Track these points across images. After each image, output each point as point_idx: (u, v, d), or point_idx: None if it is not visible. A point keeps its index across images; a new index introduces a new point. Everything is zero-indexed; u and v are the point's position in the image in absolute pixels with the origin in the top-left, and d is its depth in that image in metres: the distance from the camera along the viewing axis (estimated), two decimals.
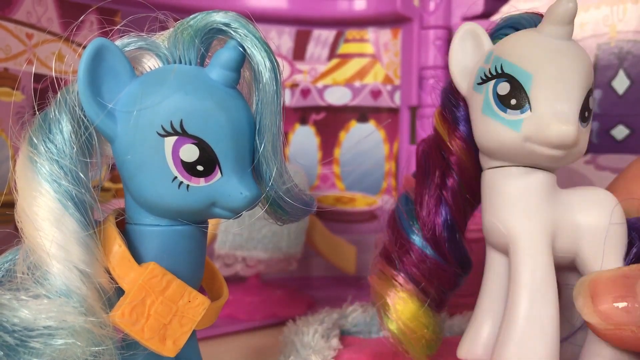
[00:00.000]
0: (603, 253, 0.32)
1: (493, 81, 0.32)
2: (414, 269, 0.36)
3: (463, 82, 0.34)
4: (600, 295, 0.29)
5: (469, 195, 0.36)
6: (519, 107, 0.31)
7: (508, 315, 0.31)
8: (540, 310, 0.31)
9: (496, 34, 0.34)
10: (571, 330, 0.35)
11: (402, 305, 0.36)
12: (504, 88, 0.31)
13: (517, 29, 0.33)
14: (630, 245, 0.33)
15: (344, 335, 0.46)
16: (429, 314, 0.36)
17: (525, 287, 0.31)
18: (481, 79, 0.32)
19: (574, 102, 0.30)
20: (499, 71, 0.31)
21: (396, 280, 0.37)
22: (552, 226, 0.32)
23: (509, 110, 0.31)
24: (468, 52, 0.34)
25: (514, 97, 0.31)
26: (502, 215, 0.33)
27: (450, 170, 0.36)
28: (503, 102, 0.31)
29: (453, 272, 0.37)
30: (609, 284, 0.30)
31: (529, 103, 0.30)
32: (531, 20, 0.33)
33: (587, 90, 0.31)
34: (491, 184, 0.33)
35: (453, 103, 0.36)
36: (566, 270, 0.34)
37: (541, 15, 0.33)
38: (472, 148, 0.35)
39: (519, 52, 0.31)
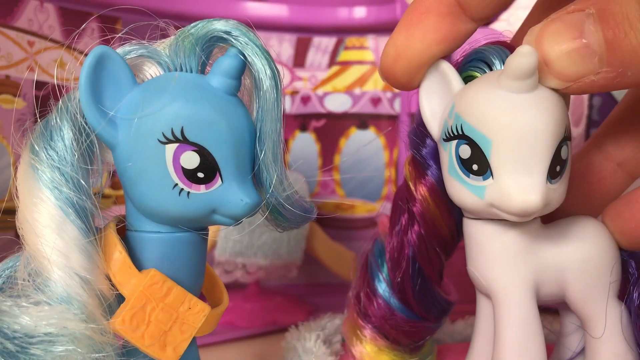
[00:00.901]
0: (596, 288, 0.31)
1: (455, 142, 0.29)
2: (381, 322, 0.36)
3: (434, 127, 0.31)
4: (549, 51, 0.26)
5: (437, 247, 0.35)
6: (481, 173, 0.28)
7: None
8: None
9: (466, 67, 0.31)
10: (573, 356, 0.35)
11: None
12: (465, 151, 0.29)
13: (486, 63, 0.30)
14: (626, 277, 0.32)
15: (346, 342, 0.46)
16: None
17: (508, 342, 0.30)
18: (446, 135, 0.30)
19: (538, 166, 0.28)
20: (460, 132, 0.29)
21: (363, 334, 0.37)
22: (536, 275, 0.31)
23: (471, 175, 0.29)
24: (435, 95, 0.31)
25: (476, 162, 0.28)
26: (480, 268, 0.31)
27: (413, 220, 0.34)
28: (465, 166, 0.29)
29: (422, 326, 0.36)
30: (554, 35, 0.26)
31: (490, 170, 0.28)
32: (499, 56, 0.30)
33: (558, 143, 0.28)
34: (470, 233, 0.32)
35: (420, 145, 0.34)
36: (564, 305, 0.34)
37: (511, 50, 0.30)
38: (442, 194, 0.33)
39: (477, 113, 0.28)
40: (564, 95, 0.29)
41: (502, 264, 0.31)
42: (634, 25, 0.24)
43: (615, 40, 0.24)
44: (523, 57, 0.26)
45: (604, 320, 0.31)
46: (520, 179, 0.27)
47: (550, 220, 0.32)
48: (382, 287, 0.36)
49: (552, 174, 0.28)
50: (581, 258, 0.31)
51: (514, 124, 0.27)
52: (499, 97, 0.28)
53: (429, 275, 0.35)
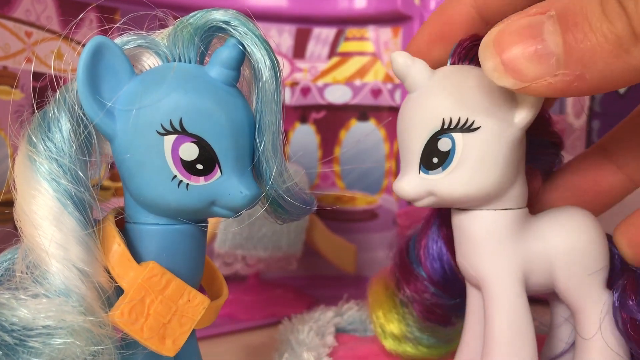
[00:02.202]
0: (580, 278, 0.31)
1: None
2: (421, 305, 0.38)
3: None
4: (507, 51, 0.26)
5: None
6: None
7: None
8: (515, 355, 0.30)
9: None
10: (565, 348, 0.35)
11: (391, 327, 0.40)
12: None
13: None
14: (613, 265, 0.32)
15: (339, 333, 0.47)
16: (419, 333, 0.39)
17: (498, 331, 0.31)
18: None
19: (409, 157, 0.31)
20: None
21: (395, 299, 0.39)
22: (524, 264, 0.31)
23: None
24: None
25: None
26: (470, 258, 0.32)
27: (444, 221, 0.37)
28: None
29: (449, 305, 0.39)
30: (513, 36, 0.26)
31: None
32: None
33: (429, 136, 0.30)
34: (458, 224, 0.33)
35: None
36: (554, 296, 0.34)
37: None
38: None
39: None
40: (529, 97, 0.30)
41: (490, 253, 0.31)
42: (593, 25, 0.24)
43: (574, 41, 0.24)
44: (394, 61, 0.31)
45: (593, 308, 0.32)
46: (401, 170, 0.32)
47: (538, 210, 0.33)
48: (423, 275, 0.38)
49: (429, 165, 0.31)
50: (569, 247, 0.31)
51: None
52: None
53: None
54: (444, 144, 0.30)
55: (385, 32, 0.66)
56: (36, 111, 0.28)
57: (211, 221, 0.31)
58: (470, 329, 0.35)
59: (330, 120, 0.68)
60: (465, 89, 0.30)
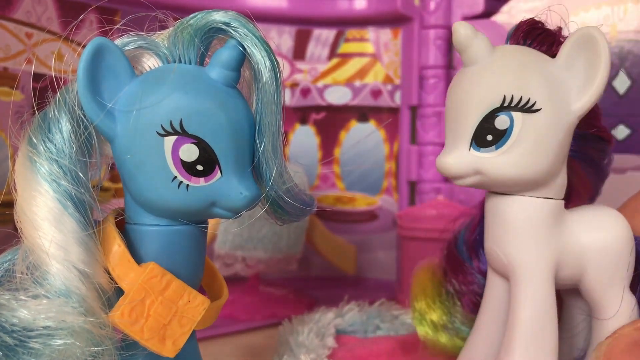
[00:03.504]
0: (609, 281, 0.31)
1: None
2: (463, 286, 0.38)
3: None
4: None
5: None
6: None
7: (505, 350, 0.31)
8: (538, 346, 0.30)
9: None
10: (580, 354, 0.35)
11: (432, 315, 0.39)
12: None
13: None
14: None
15: (340, 335, 0.47)
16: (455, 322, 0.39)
17: (524, 320, 0.30)
18: None
19: (460, 132, 0.30)
20: None
21: (441, 289, 0.39)
22: (557, 256, 0.31)
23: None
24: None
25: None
26: (503, 245, 0.32)
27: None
28: None
29: None
30: (624, 354, 0.27)
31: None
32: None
33: (485, 112, 0.30)
34: (494, 210, 0.32)
35: None
36: (572, 295, 0.34)
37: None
38: None
39: None
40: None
41: (526, 240, 0.31)
42: None
43: None
44: (456, 31, 0.30)
45: (617, 306, 0.31)
46: (446, 145, 0.31)
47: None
48: (472, 267, 0.38)
49: (481, 143, 0.30)
50: (601, 246, 0.31)
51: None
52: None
53: None
54: (501, 122, 0.29)
55: (385, 33, 0.66)
56: (36, 112, 0.28)
57: (211, 222, 0.31)
58: (486, 315, 0.34)
59: (330, 121, 0.68)
60: (528, 69, 0.29)
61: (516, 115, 0.29)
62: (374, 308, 0.49)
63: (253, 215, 0.30)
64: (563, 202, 0.32)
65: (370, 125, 0.67)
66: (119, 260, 0.28)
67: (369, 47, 0.67)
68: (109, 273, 0.28)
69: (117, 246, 0.28)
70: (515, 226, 0.31)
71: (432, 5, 0.63)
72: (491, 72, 0.30)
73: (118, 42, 0.29)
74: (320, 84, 0.67)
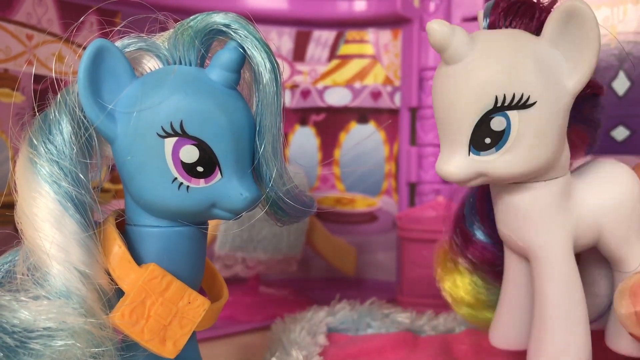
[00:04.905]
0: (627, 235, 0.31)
1: None
2: (479, 257, 0.37)
3: None
4: None
5: None
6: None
7: (538, 329, 0.31)
8: (569, 319, 0.30)
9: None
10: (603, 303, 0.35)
11: (462, 294, 0.39)
12: None
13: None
14: None
15: (331, 333, 0.47)
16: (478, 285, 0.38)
17: (553, 301, 0.30)
18: None
19: (456, 138, 0.29)
20: None
21: (460, 268, 0.39)
22: (572, 230, 0.31)
23: None
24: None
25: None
26: (517, 231, 0.31)
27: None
28: None
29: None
30: None
31: None
32: None
33: (479, 115, 0.28)
34: (502, 198, 0.32)
35: None
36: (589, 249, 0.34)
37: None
38: None
39: None
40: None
41: (541, 225, 0.30)
42: None
43: None
44: (432, 30, 0.28)
45: (638, 257, 0.31)
46: (443, 150, 0.29)
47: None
48: (478, 232, 0.37)
49: (479, 147, 0.28)
50: (612, 204, 0.31)
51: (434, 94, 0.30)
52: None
53: None
54: (497, 124, 0.28)
55: (385, 35, 0.66)
56: (37, 114, 0.28)
57: (211, 223, 0.31)
58: (508, 296, 0.34)
59: (330, 122, 0.68)
60: (517, 60, 0.28)
61: (512, 114, 0.28)
62: (365, 307, 0.50)
63: (253, 217, 0.30)
64: (569, 174, 0.31)
65: (370, 127, 0.67)
66: (119, 261, 0.28)
67: (369, 49, 0.67)
68: (109, 274, 0.28)
69: (118, 247, 0.28)
70: (527, 213, 0.31)
71: (431, 7, 0.63)
72: (478, 71, 0.28)
73: (118, 43, 0.29)
74: (320, 85, 0.67)
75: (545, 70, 0.28)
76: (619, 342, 0.32)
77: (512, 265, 0.34)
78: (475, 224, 0.37)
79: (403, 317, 0.49)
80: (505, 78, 0.28)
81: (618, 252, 0.31)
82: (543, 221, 0.30)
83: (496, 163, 0.29)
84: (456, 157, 0.29)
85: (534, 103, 0.28)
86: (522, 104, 0.28)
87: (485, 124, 0.28)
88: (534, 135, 0.28)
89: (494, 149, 0.29)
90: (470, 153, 0.29)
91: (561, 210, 0.31)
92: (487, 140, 0.28)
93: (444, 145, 0.30)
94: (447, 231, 0.40)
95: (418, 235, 0.58)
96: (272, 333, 0.46)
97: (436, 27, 0.28)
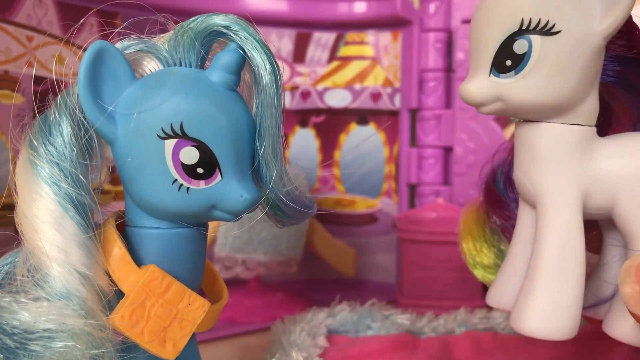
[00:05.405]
0: None
1: None
2: (504, 222, 0.38)
3: None
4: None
5: None
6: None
7: (529, 281, 0.30)
8: (562, 277, 0.29)
9: None
10: (614, 290, 0.33)
11: (481, 257, 0.39)
12: None
13: None
14: None
15: (331, 334, 0.47)
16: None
17: (549, 250, 0.30)
18: None
19: (480, 59, 0.30)
20: None
21: (485, 227, 0.39)
22: (585, 184, 0.30)
23: None
24: None
25: None
26: (529, 172, 0.31)
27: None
28: None
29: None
30: None
31: None
32: None
33: (503, 37, 0.29)
34: (521, 137, 0.32)
35: None
36: (609, 227, 0.33)
37: None
38: None
39: None
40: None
41: (552, 168, 0.30)
42: None
43: None
44: None
45: None
46: (469, 75, 0.31)
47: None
48: (507, 196, 0.37)
49: (501, 68, 0.29)
50: (635, 172, 0.30)
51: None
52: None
53: None
54: (519, 46, 0.29)
55: (385, 37, 0.66)
56: (37, 115, 0.28)
57: (211, 225, 0.31)
58: (517, 243, 0.34)
59: (330, 124, 0.68)
60: None
61: (534, 38, 0.28)
62: (365, 308, 0.50)
63: (253, 218, 0.30)
64: (594, 129, 0.31)
65: (370, 128, 0.67)
66: (119, 262, 0.28)
67: (369, 50, 0.67)
68: (109, 275, 0.28)
69: (118, 249, 0.28)
70: (540, 153, 0.30)
71: (431, 9, 0.63)
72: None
73: (119, 45, 0.29)
74: (320, 87, 0.67)
75: (577, 6, 0.28)
76: (619, 327, 0.31)
77: (523, 221, 0.34)
78: (506, 187, 0.37)
79: (403, 319, 0.49)
80: (534, 2, 0.28)
81: (631, 226, 0.30)
82: (555, 165, 0.30)
83: (513, 87, 0.29)
84: (477, 78, 0.30)
85: (558, 32, 0.28)
86: (546, 30, 0.28)
87: (509, 46, 0.29)
88: (553, 65, 0.29)
89: (513, 72, 0.29)
90: (491, 74, 0.30)
91: (576, 161, 0.30)
92: (508, 63, 0.29)
93: (471, 69, 0.31)
94: (479, 193, 0.40)
95: (418, 236, 0.58)
96: (272, 334, 0.46)
97: None
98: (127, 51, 0.29)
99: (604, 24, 0.29)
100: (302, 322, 0.46)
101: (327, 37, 0.67)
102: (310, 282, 0.67)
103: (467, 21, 0.62)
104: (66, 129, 0.27)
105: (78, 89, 0.27)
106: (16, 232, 0.27)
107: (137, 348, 0.28)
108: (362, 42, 0.67)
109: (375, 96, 0.67)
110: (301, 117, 0.67)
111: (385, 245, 0.67)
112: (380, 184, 0.68)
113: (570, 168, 0.30)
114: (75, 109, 0.28)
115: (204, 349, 0.33)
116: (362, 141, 0.67)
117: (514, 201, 0.37)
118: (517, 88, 0.29)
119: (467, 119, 0.62)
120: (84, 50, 0.27)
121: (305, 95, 0.67)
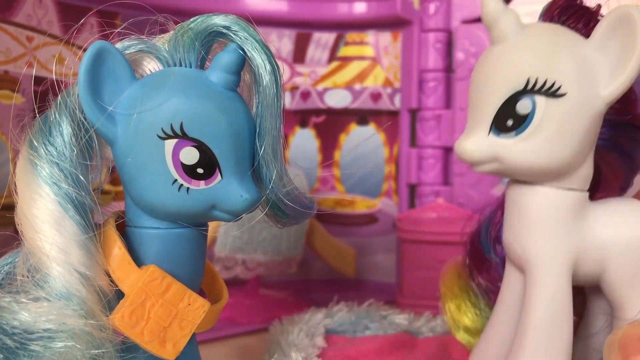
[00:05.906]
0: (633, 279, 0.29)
1: None
2: (489, 284, 0.37)
3: None
4: (632, 357, 0.26)
5: None
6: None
7: (517, 346, 0.30)
8: (549, 346, 0.29)
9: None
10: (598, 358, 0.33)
11: (464, 320, 0.38)
12: None
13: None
14: None
15: (329, 335, 0.47)
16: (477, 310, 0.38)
17: (537, 318, 0.29)
18: None
19: (479, 117, 0.29)
20: None
21: (469, 289, 0.38)
22: (576, 252, 0.29)
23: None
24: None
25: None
26: (519, 235, 0.30)
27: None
28: None
29: None
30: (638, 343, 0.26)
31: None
32: None
33: (507, 95, 0.28)
34: (513, 199, 0.31)
35: None
36: (596, 294, 0.32)
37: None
38: None
39: None
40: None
41: (545, 234, 0.30)
42: None
43: None
44: (485, 5, 0.29)
45: (637, 308, 0.30)
46: (466, 129, 0.30)
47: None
48: (493, 257, 0.36)
49: (501, 128, 0.28)
50: (625, 241, 0.30)
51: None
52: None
53: None
54: (523, 106, 0.28)
55: (385, 37, 0.66)
56: (37, 115, 0.28)
57: (211, 225, 0.31)
58: (503, 305, 0.33)
59: (330, 124, 0.68)
60: (557, 49, 0.28)
61: (539, 99, 0.28)
62: (362, 308, 0.50)
63: (253, 218, 0.30)
64: (587, 194, 0.30)
65: (370, 129, 0.67)
66: (119, 262, 0.28)
67: (369, 51, 0.67)
68: (109, 276, 0.28)
69: (118, 249, 0.28)
70: (533, 217, 0.30)
71: (431, 9, 0.63)
72: (517, 51, 0.28)
73: (119, 45, 0.29)
74: (320, 87, 0.67)
75: (584, 70, 0.28)
76: None
77: (509, 284, 0.33)
78: (492, 247, 0.37)
79: (401, 319, 0.49)
80: (541, 62, 0.28)
81: (619, 294, 0.30)
82: (549, 230, 0.29)
83: (512, 148, 0.28)
84: (475, 135, 0.29)
85: (564, 94, 0.28)
86: (552, 92, 0.28)
87: (512, 105, 0.28)
88: (556, 129, 0.28)
89: (514, 132, 0.28)
90: (491, 133, 0.29)
91: (569, 226, 0.29)
92: (509, 123, 0.28)
93: (468, 124, 0.30)
94: (462, 254, 0.39)
95: (418, 236, 0.58)
96: (270, 335, 0.46)
97: (489, 3, 0.29)
98: (127, 51, 0.29)
99: (608, 90, 0.28)
100: (300, 323, 0.46)
101: (327, 38, 0.67)
102: (310, 283, 0.67)
103: (467, 21, 0.62)
104: (66, 129, 0.27)
105: (78, 89, 0.27)
106: (16, 232, 0.27)
107: (137, 348, 0.28)
108: (362, 43, 0.67)
109: (375, 96, 0.67)
110: (301, 118, 0.67)
111: (385, 245, 0.67)
112: (380, 184, 0.68)
113: (563, 234, 0.29)
114: (76, 109, 0.28)
115: (204, 349, 0.33)
116: (362, 141, 0.67)
117: (500, 263, 0.36)
118: (516, 150, 0.28)
119: None
120: (84, 50, 0.27)
121: (305, 95, 0.67)
